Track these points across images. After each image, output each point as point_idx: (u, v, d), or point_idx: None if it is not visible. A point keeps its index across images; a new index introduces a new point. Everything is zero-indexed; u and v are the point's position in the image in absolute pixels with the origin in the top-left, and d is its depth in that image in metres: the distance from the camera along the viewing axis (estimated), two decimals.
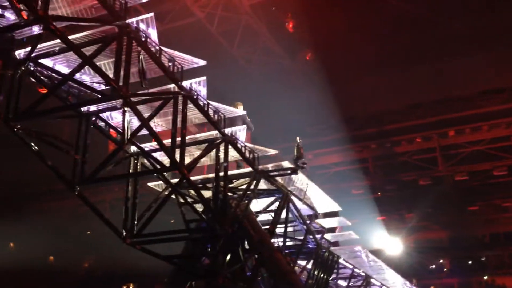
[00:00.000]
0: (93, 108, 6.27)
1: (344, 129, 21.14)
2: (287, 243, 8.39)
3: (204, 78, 6.30)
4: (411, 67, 20.43)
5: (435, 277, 21.59)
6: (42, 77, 5.80)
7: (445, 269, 21.63)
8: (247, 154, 7.05)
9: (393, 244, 21.35)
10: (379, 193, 21.28)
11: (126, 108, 5.67)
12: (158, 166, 6.39)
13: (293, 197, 7.86)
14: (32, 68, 5.73)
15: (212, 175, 6.99)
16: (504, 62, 18.68)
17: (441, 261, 22.17)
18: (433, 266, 21.84)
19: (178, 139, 6.05)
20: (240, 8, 18.56)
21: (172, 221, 9.44)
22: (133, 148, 6.81)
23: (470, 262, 21.50)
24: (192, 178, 7.24)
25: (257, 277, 7.28)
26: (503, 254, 21.03)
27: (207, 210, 6.65)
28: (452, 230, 21.78)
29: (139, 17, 5.63)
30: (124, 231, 6.52)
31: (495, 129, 19.99)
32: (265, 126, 21.10)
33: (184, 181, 6.29)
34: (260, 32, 19.60)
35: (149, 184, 7.41)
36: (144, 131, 6.12)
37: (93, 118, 6.33)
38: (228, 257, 7.10)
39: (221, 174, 6.89)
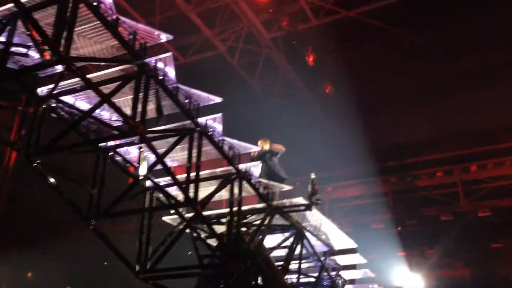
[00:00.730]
0: (111, 143, 6.42)
1: (364, 162, 21.04)
2: (302, 280, 8.34)
3: (220, 115, 6.43)
4: (433, 100, 20.39)
5: None
6: (63, 113, 5.97)
7: None
8: (261, 190, 7.09)
9: (414, 281, 20.91)
10: (399, 228, 20.97)
11: (142, 144, 5.79)
12: (173, 201, 6.47)
13: (307, 233, 7.84)
14: (53, 105, 5.91)
15: (228, 210, 7.05)
16: None
17: None
18: None
19: (194, 174, 6.16)
20: (261, 41, 18.87)
21: (190, 252, 9.47)
22: (149, 183, 6.91)
23: None
24: (207, 213, 7.34)
25: None
26: None
27: (220, 245, 6.67)
28: (475, 267, 21.22)
29: (158, 56, 5.79)
30: (137, 265, 6.57)
31: None
32: (284, 158, 21.22)
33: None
34: (280, 65, 19.84)
35: (164, 218, 7.48)
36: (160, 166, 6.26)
37: (111, 153, 6.47)
38: None
39: (236, 209, 6.95)
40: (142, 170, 5.92)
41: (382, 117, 21.05)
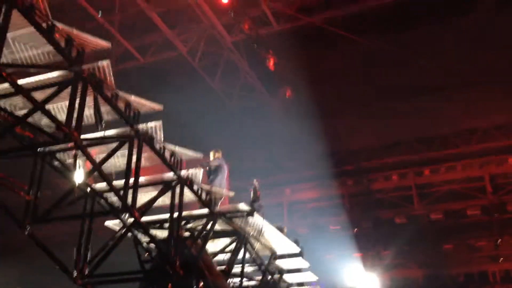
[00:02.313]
0: (50, 148, 6.39)
1: (322, 165, 21.33)
2: (247, 283, 8.47)
3: (160, 122, 6.46)
4: (389, 105, 20.81)
5: None
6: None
7: None
8: (203, 196, 7.17)
9: (369, 281, 21.32)
10: (355, 230, 21.36)
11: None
12: (113, 207, 6.48)
13: (251, 239, 7.96)
14: None
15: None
16: (476, 103, 19.12)
17: None
18: None
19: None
20: (223, 44, 18.91)
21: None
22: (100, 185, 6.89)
23: None
24: (150, 218, 7.38)
25: None
26: None
27: (159, 251, 6.72)
28: (428, 268, 21.80)
29: (95, 63, 5.80)
30: (75, 271, 6.56)
31: (469, 168, 20.32)
32: (244, 160, 21.35)
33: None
34: (242, 68, 19.92)
35: (106, 223, 7.48)
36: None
37: (49, 158, 6.44)
38: None
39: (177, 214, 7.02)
40: (79, 176, 5.92)
41: (340, 122, 21.37)
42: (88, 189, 6.80)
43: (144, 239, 7.58)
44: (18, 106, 5.97)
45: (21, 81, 5.53)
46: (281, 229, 10.08)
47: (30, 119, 5.88)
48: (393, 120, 20.67)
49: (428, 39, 18.49)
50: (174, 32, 17.84)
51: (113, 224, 7.47)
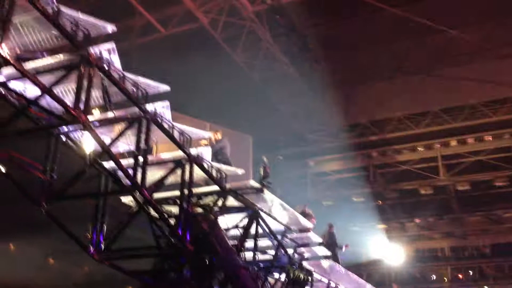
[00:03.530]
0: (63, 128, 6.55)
1: (346, 136, 21.26)
2: (262, 257, 8.64)
3: (167, 103, 6.54)
4: (415, 75, 20.48)
5: (435, 287, 21.59)
6: (11, 99, 6.10)
7: (445, 279, 21.59)
8: (214, 173, 7.29)
9: (394, 253, 21.42)
10: (380, 201, 21.34)
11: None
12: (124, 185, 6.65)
13: (263, 214, 8.07)
14: (1, 90, 6.04)
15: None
16: (506, 73, 18.62)
17: (442, 270, 22.12)
18: (434, 276, 21.80)
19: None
20: (244, 14, 18.76)
21: None
22: (106, 165, 7.07)
23: (470, 272, 21.42)
24: (162, 194, 7.55)
25: None
26: (503, 265, 20.92)
27: (170, 227, 6.90)
28: (453, 240, 21.75)
29: (100, 46, 5.89)
30: (92, 246, 6.81)
31: (498, 139, 19.93)
32: (267, 132, 21.40)
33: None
34: (264, 38, 19.76)
35: (123, 199, 7.67)
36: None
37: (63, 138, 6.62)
38: (197, 272, 7.36)
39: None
40: (90, 156, 6.10)
41: (365, 93, 21.18)
42: (101, 168, 6.96)
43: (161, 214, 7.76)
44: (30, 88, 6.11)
45: (30, 64, 5.68)
46: (305, 214, 10.48)
47: (43, 101, 6.04)
48: (419, 91, 20.38)
49: (456, 9, 18.02)
50: (195, 3, 17.77)
51: (129, 200, 7.65)
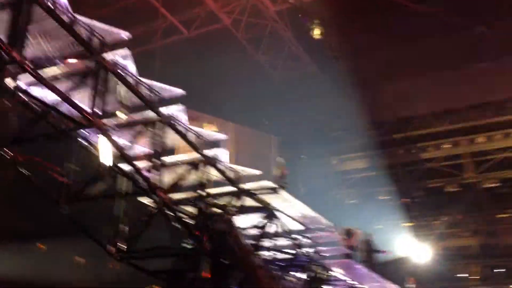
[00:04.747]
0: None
1: (370, 134, 21.12)
2: (281, 257, 8.75)
3: (182, 106, 6.69)
4: (441, 72, 20.19)
5: (464, 285, 21.27)
6: (32, 105, 6.34)
7: (474, 277, 21.25)
8: (229, 174, 7.41)
9: (420, 251, 21.17)
10: (405, 199, 21.13)
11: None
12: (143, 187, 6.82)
13: (280, 214, 8.16)
14: (23, 96, 6.28)
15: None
16: None
17: (470, 269, 21.79)
18: (463, 274, 21.48)
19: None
20: (266, 14, 18.85)
21: None
22: (126, 167, 7.24)
23: (499, 270, 21.03)
24: (181, 195, 7.71)
25: None
26: None
27: (187, 227, 7.04)
28: (482, 237, 21.38)
29: (115, 52, 6.06)
30: (112, 246, 7.01)
31: None
32: (290, 132, 21.44)
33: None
34: (286, 38, 19.81)
35: (142, 200, 7.84)
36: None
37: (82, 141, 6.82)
38: (214, 272, 7.49)
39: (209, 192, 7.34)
40: (106, 159, 6.27)
41: (389, 90, 20.98)
42: (119, 170, 7.14)
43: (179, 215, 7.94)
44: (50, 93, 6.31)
45: (48, 71, 5.88)
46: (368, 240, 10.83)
47: (63, 106, 6.23)
48: (444, 87, 20.09)
49: (483, 6, 17.71)
50: (218, 4, 17.94)
51: (148, 201, 7.83)
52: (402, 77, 20.78)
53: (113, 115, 6.28)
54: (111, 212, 7.29)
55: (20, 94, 6.17)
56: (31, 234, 18.11)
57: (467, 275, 21.12)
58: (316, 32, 19.81)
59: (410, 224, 21.44)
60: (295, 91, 20.74)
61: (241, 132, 19.77)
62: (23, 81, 6.25)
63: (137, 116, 6.51)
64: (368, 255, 13.11)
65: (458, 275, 21.12)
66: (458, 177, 20.41)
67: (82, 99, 6.37)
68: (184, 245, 7.48)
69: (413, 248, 21.11)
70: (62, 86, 6.10)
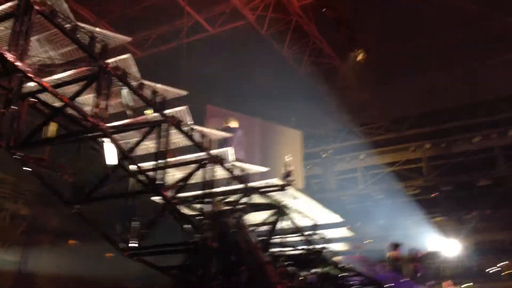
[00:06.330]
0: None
1: (397, 128, 20.91)
2: (291, 253, 8.85)
3: (186, 106, 6.86)
4: (471, 64, 19.76)
5: (495, 280, 20.88)
6: (42, 108, 6.63)
7: (506, 272, 20.82)
8: (236, 172, 7.54)
9: (450, 246, 20.89)
10: (434, 194, 20.86)
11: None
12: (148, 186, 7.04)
13: (290, 211, 8.25)
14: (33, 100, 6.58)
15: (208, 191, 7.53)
16: None
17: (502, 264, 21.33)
18: (493, 269, 21.08)
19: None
20: (290, 10, 18.83)
21: None
22: (133, 167, 7.48)
23: None
24: (188, 194, 7.90)
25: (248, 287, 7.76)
26: None
27: (192, 225, 7.23)
28: None
29: (118, 57, 6.27)
30: (122, 243, 7.26)
31: None
32: (316, 127, 21.44)
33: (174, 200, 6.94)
34: (310, 33, 19.75)
35: (152, 197, 8.06)
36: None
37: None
38: (222, 268, 7.66)
39: (216, 190, 7.50)
40: (112, 160, 6.49)
41: (416, 83, 20.66)
42: (125, 170, 7.37)
43: (188, 212, 8.15)
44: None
45: (53, 78, 6.14)
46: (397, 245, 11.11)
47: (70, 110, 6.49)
48: (474, 80, 19.67)
49: None
50: (242, 1, 18.04)
51: (158, 199, 8.04)
52: (430, 69, 20.45)
53: (117, 118, 6.49)
54: (123, 211, 7.53)
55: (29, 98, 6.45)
56: (63, 232, 18.83)
57: (498, 269, 20.69)
58: (359, 58, 19.82)
59: (440, 218, 21.17)
60: (321, 86, 20.66)
61: (267, 128, 19.92)
62: (31, 84, 6.50)
63: (142, 118, 6.71)
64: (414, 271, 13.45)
65: (489, 270, 20.71)
66: (489, 170, 19.99)
67: (87, 102, 6.62)
68: (193, 242, 7.67)
69: (442, 242, 20.86)
70: (67, 90, 6.35)
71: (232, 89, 19.72)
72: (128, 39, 6.32)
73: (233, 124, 10.04)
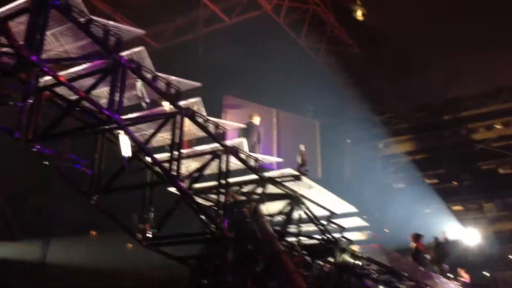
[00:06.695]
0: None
1: (416, 117, 20.71)
2: (307, 242, 8.90)
3: (199, 98, 6.91)
4: (488, 51, 19.42)
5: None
6: (58, 101, 6.75)
7: None
8: (251, 163, 7.59)
9: (470, 235, 20.72)
10: (455, 182, 20.66)
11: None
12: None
13: (306, 200, 8.28)
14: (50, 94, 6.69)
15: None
16: None
17: None
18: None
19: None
20: None
21: None
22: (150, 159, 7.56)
23: None
24: (204, 185, 7.99)
25: (265, 276, 7.84)
26: None
27: (208, 215, 7.30)
28: None
29: (132, 50, 6.34)
30: (140, 234, 7.38)
31: None
32: (334, 116, 21.31)
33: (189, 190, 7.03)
34: (328, 21, 19.62)
35: (170, 188, 8.15)
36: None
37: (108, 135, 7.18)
38: (239, 258, 7.76)
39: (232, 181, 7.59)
40: (127, 152, 6.58)
41: (435, 70, 20.37)
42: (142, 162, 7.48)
43: (204, 202, 8.25)
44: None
45: (68, 71, 6.25)
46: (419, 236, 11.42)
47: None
48: (494, 66, 19.32)
49: None
50: None
51: (174, 190, 8.12)
52: (449, 57, 20.14)
53: (133, 110, 6.58)
54: (139, 202, 7.65)
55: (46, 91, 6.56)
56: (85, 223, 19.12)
57: None
58: (359, 14, 19.46)
59: (460, 207, 20.99)
60: (339, 75, 20.52)
61: (284, 118, 19.86)
62: (47, 78, 6.61)
63: (156, 110, 6.78)
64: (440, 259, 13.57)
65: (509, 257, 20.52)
66: (510, 158, 19.71)
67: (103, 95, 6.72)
68: (209, 232, 7.75)
69: (462, 232, 20.70)
70: (84, 83, 6.46)
71: (249, 80, 19.70)
72: (142, 32, 6.38)
73: (256, 120, 10.18)
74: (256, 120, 10.22)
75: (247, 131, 9.83)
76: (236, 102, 20.07)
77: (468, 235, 20.62)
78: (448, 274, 14.25)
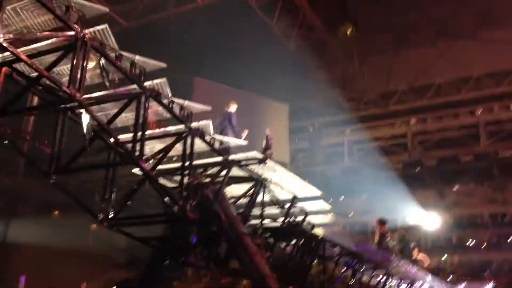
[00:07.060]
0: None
1: (383, 104, 20.99)
2: (270, 225, 9.00)
3: (165, 79, 6.85)
4: (457, 40, 19.75)
5: (473, 253, 21.44)
6: (19, 79, 6.59)
7: (484, 245, 21.40)
8: (216, 145, 7.59)
9: (431, 219, 21.30)
10: (418, 168, 21.11)
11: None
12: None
13: (270, 184, 8.35)
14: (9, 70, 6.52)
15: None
16: None
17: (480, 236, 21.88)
18: (472, 241, 21.65)
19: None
20: None
21: None
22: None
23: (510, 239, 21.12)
24: (168, 166, 7.96)
25: (228, 258, 7.93)
26: None
27: (171, 197, 7.30)
28: (493, 206, 21.32)
29: (95, 28, 6.22)
30: (100, 214, 7.33)
31: None
32: (303, 101, 21.44)
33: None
34: (300, 5, 19.56)
35: (133, 170, 8.09)
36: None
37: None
38: (202, 239, 7.80)
39: (196, 163, 7.57)
40: (89, 132, 6.49)
41: (403, 58, 20.64)
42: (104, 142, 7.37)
43: (169, 184, 8.23)
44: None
45: (28, 47, 6.10)
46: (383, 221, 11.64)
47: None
48: (461, 56, 19.69)
49: None
50: None
51: (138, 171, 8.07)
52: (417, 45, 20.44)
53: (94, 89, 6.48)
54: (102, 182, 7.58)
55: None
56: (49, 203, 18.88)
57: (476, 243, 21.25)
58: (349, 31, 19.69)
59: (422, 192, 21.50)
60: (309, 60, 20.56)
61: (253, 101, 19.89)
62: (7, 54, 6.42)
63: (120, 90, 6.69)
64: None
65: (467, 243, 21.23)
66: (471, 146, 20.25)
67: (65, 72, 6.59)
68: (172, 213, 7.75)
69: (424, 216, 21.25)
70: (45, 60, 6.31)
71: (220, 62, 19.59)
72: (106, 9, 6.27)
73: (233, 108, 10.20)
74: (233, 108, 10.28)
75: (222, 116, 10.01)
76: (206, 84, 20.00)
77: (429, 220, 21.21)
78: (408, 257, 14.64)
